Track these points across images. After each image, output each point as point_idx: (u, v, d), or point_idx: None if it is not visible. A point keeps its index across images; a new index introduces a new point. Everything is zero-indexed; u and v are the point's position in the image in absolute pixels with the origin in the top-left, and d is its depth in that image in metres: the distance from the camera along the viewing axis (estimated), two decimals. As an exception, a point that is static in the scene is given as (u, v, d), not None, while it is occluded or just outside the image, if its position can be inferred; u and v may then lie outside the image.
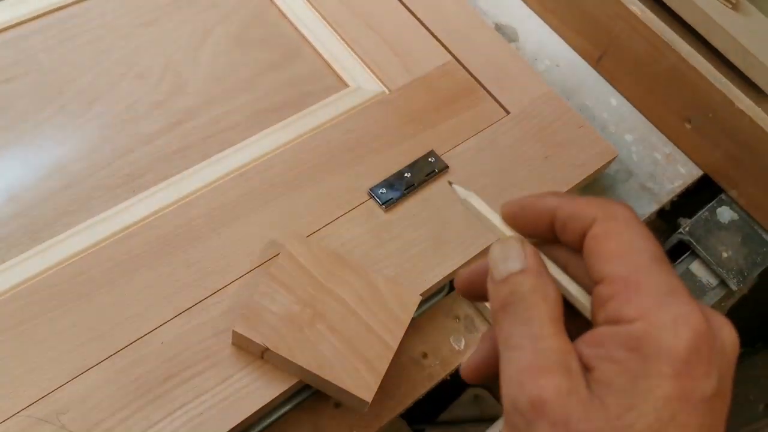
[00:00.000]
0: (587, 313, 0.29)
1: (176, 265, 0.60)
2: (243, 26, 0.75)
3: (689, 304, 0.26)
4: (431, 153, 0.70)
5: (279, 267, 0.58)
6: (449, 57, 0.77)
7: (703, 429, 0.24)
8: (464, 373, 0.33)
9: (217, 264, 0.60)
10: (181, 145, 0.66)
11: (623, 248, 0.27)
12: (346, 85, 0.73)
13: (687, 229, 0.79)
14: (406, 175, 0.68)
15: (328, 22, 0.77)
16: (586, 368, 0.26)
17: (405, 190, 0.67)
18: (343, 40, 0.76)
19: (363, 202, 0.66)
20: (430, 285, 0.63)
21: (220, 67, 0.72)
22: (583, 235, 0.29)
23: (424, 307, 0.66)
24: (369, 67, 0.74)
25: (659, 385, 0.24)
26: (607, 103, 0.84)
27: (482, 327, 0.67)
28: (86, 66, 0.69)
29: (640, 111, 0.83)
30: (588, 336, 0.27)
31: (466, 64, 0.77)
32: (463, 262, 0.65)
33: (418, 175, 0.68)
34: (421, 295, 0.60)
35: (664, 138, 0.82)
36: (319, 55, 0.75)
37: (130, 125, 0.67)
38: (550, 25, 0.88)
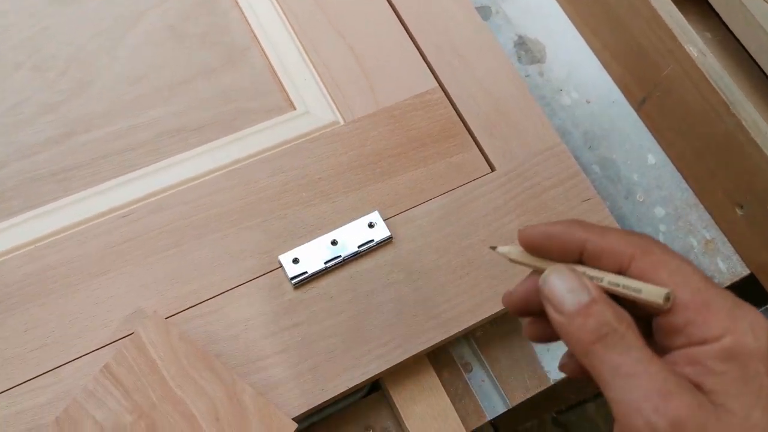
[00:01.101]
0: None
1: (10, 328, 0.48)
2: (183, 14, 0.60)
3: (753, 311, 0.30)
4: (374, 215, 0.54)
5: (121, 358, 0.46)
6: (434, 84, 0.60)
7: None
8: (507, 303, 0.36)
9: (62, 333, 0.49)
10: (64, 165, 0.54)
11: (676, 277, 0.30)
12: (293, 107, 0.59)
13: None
14: (332, 242, 0.53)
15: (288, 20, 0.61)
16: (695, 386, 0.29)
17: (326, 263, 0.52)
18: (302, 45, 0.60)
19: (268, 272, 0.52)
20: (329, 398, 0.49)
21: (140, 65, 0.58)
22: (619, 270, 0.31)
23: (328, 412, 0.53)
24: (326, 87, 0.59)
25: (762, 382, 0.28)
26: (641, 159, 0.65)
27: (400, 446, 0.53)
28: (-19, 46, 0.57)
29: (684, 178, 0.65)
30: (679, 356, 0.29)
31: (453, 97, 0.60)
32: (378, 372, 0.50)
33: (349, 244, 0.53)
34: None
35: (708, 219, 0.64)
36: (268, 62, 0.60)
37: (8, 130, 0.55)
38: (591, 47, 0.69)
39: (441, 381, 0.54)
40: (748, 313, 0.30)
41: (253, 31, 0.61)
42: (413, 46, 0.62)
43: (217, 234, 0.53)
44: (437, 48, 0.62)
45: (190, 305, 0.51)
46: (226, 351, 0.50)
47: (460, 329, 0.52)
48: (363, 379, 0.50)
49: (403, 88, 0.60)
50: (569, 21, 0.70)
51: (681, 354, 0.30)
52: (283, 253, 0.53)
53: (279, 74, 0.59)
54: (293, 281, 0.52)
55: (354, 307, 0.52)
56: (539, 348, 0.58)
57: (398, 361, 0.51)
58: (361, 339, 0.51)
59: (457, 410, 0.53)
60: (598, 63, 0.68)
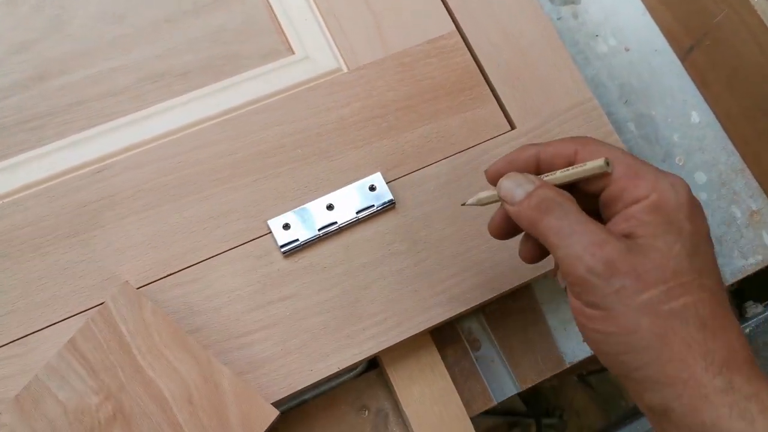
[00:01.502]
0: None
1: (-28, 294, 0.45)
2: (171, -59, 0.54)
3: (674, 175, 0.36)
4: (376, 177, 0.49)
5: (88, 333, 0.42)
6: (451, 27, 0.54)
7: (713, 256, 0.36)
8: (494, 233, 0.41)
9: (28, 300, 0.45)
10: (35, 111, 0.49)
11: (609, 155, 0.37)
12: (291, 51, 0.53)
13: (756, 321, 0.56)
14: (328, 206, 0.48)
15: (289, -49, 0.55)
16: (628, 237, 0.35)
17: (320, 230, 0.47)
18: (304, -19, 0.54)
19: (256, 238, 0.48)
20: (318, 379, 0.45)
21: (121, 1, 0.52)
22: (568, 165, 0.38)
23: (321, 389, 0.49)
24: (328, 29, 0.53)
25: (682, 226, 0.35)
26: (684, 116, 0.58)
27: (397, 430, 0.49)
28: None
29: (731, 138, 0.58)
30: (617, 218, 0.36)
31: (471, 42, 0.53)
32: (373, 352, 0.46)
33: (346, 208, 0.48)
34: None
35: (755, 187, 0.57)
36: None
37: (-24, 73, 0.50)
38: (633, -14, 0.61)
39: (445, 359, 0.49)
40: (670, 176, 0.36)
41: (249, -38, 0.54)
42: (429, -18, 0.55)
43: (201, 194, 0.48)
44: (456, -14, 0.55)
45: (169, 273, 0.46)
46: (207, 324, 0.45)
47: (466, 307, 0.47)
48: (356, 360, 0.46)
49: (416, 31, 0.53)
50: (611, -45, 0.62)
51: (619, 216, 0.36)
52: (273, 217, 0.48)
53: (277, 13, 0.53)
54: (283, 249, 0.47)
55: (349, 279, 0.47)
56: (556, 326, 0.53)
57: (395, 342, 0.46)
58: (355, 315, 0.46)
59: (461, 392, 0.49)
60: (641, 5, 0.61)
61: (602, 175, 0.36)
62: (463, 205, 0.43)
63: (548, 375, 0.52)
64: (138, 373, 0.41)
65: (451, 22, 0.54)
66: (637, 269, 0.33)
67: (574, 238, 0.34)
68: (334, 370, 0.45)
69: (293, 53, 0.52)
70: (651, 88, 0.59)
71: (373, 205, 0.48)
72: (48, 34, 0.51)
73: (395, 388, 0.48)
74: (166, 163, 0.48)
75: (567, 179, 0.37)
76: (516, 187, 0.37)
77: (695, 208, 0.36)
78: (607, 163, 0.36)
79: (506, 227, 0.40)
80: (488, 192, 0.41)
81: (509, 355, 0.52)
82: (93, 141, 0.49)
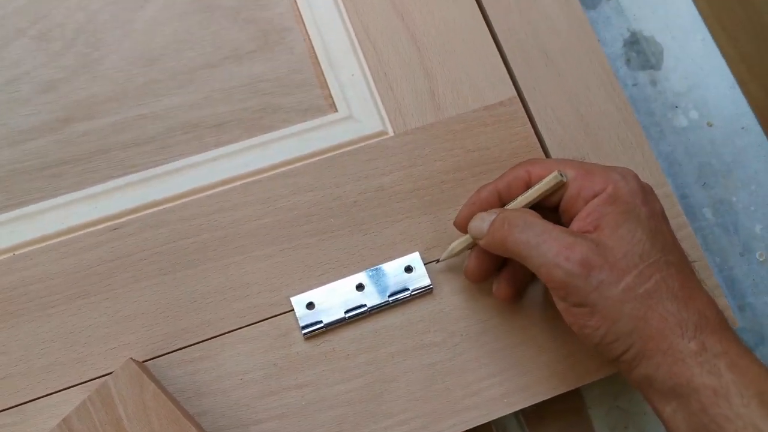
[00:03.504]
0: None
1: (-31, 354, 0.43)
2: (216, -19, 0.52)
3: (621, 167, 0.42)
4: (413, 257, 0.46)
5: (83, 413, 0.40)
6: (511, 92, 0.50)
7: (671, 232, 0.40)
8: (470, 277, 0.44)
9: (29, 364, 0.43)
10: (57, 157, 0.48)
11: (560, 166, 0.41)
12: (333, 109, 0.50)
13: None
14: (358, 286, 0.45)
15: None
16: (594, 230, 0.39)
17: (346, 312, 0.44)
18: (353, 29, 0.51)
19: (276, 315, 0.45)
20: (328, 482, 0.42)
21: (157, 42, 0.51)
22: (529, 187, 0.42)
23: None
24: (376, 86, 0.50)
25: (639, 212, 0.39)
26: (771, 206, 0.53)
27: None
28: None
29: (823, 236, 0.52)
30: (581, 214, 0.40)
31: (533, 111, 0.50)
32: (394, 457, 0.42)
33: (378, 290, 0.45)
34: None
35: None
36: (311, 48, 0.51)
37: (1, 109, 0.48)
38: (724, 55, 0.56)
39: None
40: (618, 168, 0.41)
41: (297, 7, 0.52)
42: (491, 39, 0.51)
43: (221, 262, 0.45)
44: (520, 45, 0.51)
45: (179, 347, 0.44)
46: (214, 408, 0.43)
47: (504, 413, 0.44)
48: (374, 464, 0.42)
49: (472, 94, 0.50)
50: (700, 18, 0.57)
51: (582, 212, 0.40)
52: (297, 294, 0.45)
53: (322, 65, 0.50)
54: (304, 331, 0.44)
55: (374, 371, 0.44)
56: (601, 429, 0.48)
57: (420, 445, 0.43)
58: (377, 412, 0.43)
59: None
60: (731, 76, 0.56)
61: (559, 186, 0.41)
62: (438, 262, 0.45)
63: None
64: (131, 464, 0.39)
65: (512, 87, 0.50)
66: (609, 260, 0.37)
67: (544, 246, 0.38)
68: (349, 475, 0.42)
69: (336, 110, 0.50)
70: (734, 171, 0.54)
71: (408, 289, 0.45)
72: (77, 74, 0.50)
73: (416, 493, 0.45)
74: (186, 224, 0.46)
75: (528, 200, 0.42)
76: (482, 223, 0.41)
77: (647, 193, 0.40)
78: (561, 174, 0.40)
79: (481, 267, 0.44)
80: (459, 240, 0.44)
81: (549, 465, 0.47)
82: (112, 194, 0.47)
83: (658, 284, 0.37)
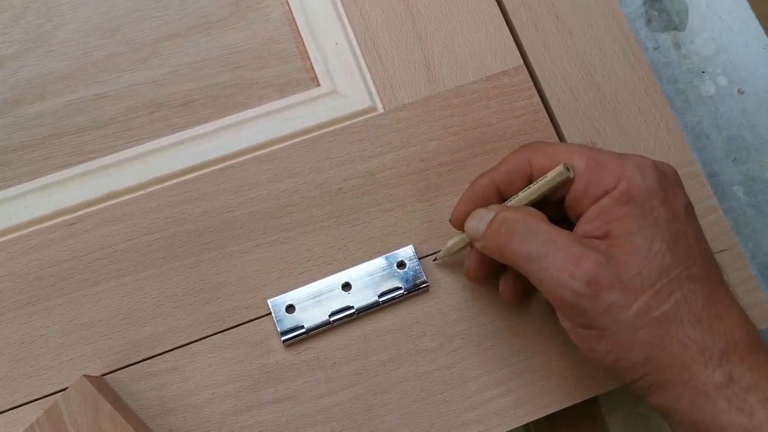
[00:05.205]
0: None
1: None
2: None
3: (637, 155, 0.36)
4: (406, 251, 0.41)
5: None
6: (518, 61, 0.45)
7: (696, 233, 0.35)
8: (471, 278, 0.40)
9: (-27, 382, 0.39)
10: (6, 143, 0.44)
11: (567, 154, 0.36)
12: (315, 83, 0.45)
13: None
14: (344, 285, 0.40)
15: (322, -44, 0.46)
16: (601, 237, 0.34)
17: (331, 315, 0.40)
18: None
19: (252, 320, 0.40)
20: (313, 507, 0.38)
21: (117, 11, 0.46)
22: (530, 180, 0.37)
23: None
24: (364, 57, 0.45)
25: (658, 216, 0.34)
26: (810, 183, 0.48)
27: None
28: None
29: None
30: (588, 215, 0.35)
31: (541, 81, 0.44)
32: (386, 479, 0.38)
33: (367, 290, 0.40)
34: None
35: None
36: (290, 14, 0.46)
37: (-59, 93, 0.44)
38: (757, 14, 0.50)
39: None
40: (633, 157, 0.35)
41: (273, -31, 0.46)
42: (493, 0, 0.46)
43: (189, 260, 0.41)
44: (527, 5, 0.45)
45: (144, 357, 0.40)
46: (183, 426, 0.39)
47: (510, 427, 0.39)
48: (361, 487, 0.38)
49: (472, 63, 0.45)
50: (729, -29, 0.51)
51: (589, 213, 0.35)
52: (276, 295, 0.40)
53: (302, 34, 0.45)
54: (284, 338, 0.39)
55: (363, 381, 0.39)
56: (623, 447, 0.44)
57: (414, 465, 0.38)
58: (367, 428, 0.39)
59: None
60: (764, 37, 0.50)
61: (565, 182, 0.36)
62: (435, 261, 0.41)
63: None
64: (86, 495, 0.35)
65: (518, 55, 0.45)
66: (621, 279, 0.33)
67: (547, 259, 0.34)
68: (334, 499, 0.38)
69: (318, 85, 0.45)
70: (769, 144, 0.49)
71: (400, 288, 0.40)
72: (28, 49, 0.45)
73: None
74: (151, 218, 0.41)
75: (530, 198, 0.37)
76: (479, 223, 0.37)
77: (668, 188, 0.35)
78: (568, 169, 0.36)
79: (483, 267, 0.39)
80: (456, 238, 0.40)
81: (561, 479, 0.43)
82: (66, 185, 0.42)
83: (679, 305, 0.33)
